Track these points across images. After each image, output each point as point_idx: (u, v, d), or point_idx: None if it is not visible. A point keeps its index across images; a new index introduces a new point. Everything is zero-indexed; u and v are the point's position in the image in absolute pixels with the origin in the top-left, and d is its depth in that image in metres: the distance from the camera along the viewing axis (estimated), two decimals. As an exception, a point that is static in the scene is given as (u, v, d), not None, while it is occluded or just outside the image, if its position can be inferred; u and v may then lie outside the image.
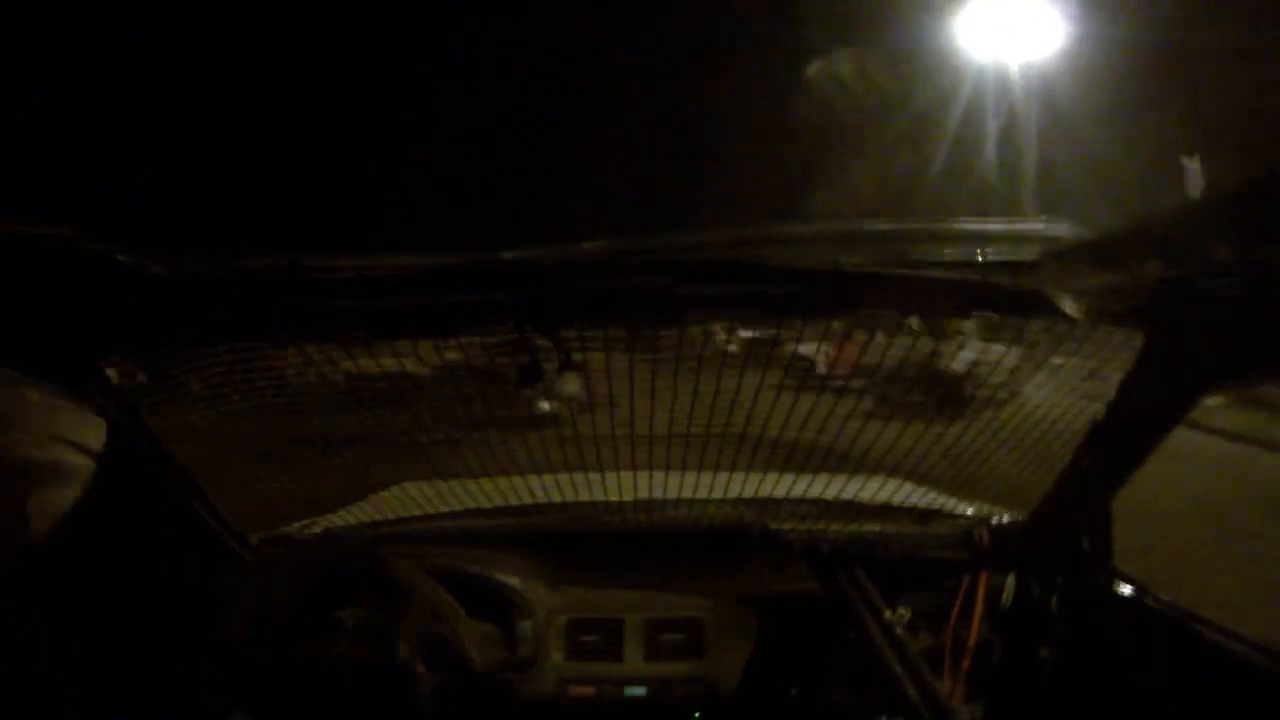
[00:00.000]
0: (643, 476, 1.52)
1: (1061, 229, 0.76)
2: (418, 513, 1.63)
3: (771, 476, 1.51)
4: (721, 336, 1.21)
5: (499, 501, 1.61)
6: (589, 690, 1.52)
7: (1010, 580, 1.41)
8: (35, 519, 1.03)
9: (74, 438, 1.07)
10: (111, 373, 1.03)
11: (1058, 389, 1.14)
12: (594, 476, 1.50)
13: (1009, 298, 0.83)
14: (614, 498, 1.55)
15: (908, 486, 1.56)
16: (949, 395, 1.29)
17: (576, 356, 1.07)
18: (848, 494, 1.50)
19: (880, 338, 1.09)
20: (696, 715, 1.52)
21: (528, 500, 1.63)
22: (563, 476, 1.54)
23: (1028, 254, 0.77)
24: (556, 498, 1.59)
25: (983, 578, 1.38)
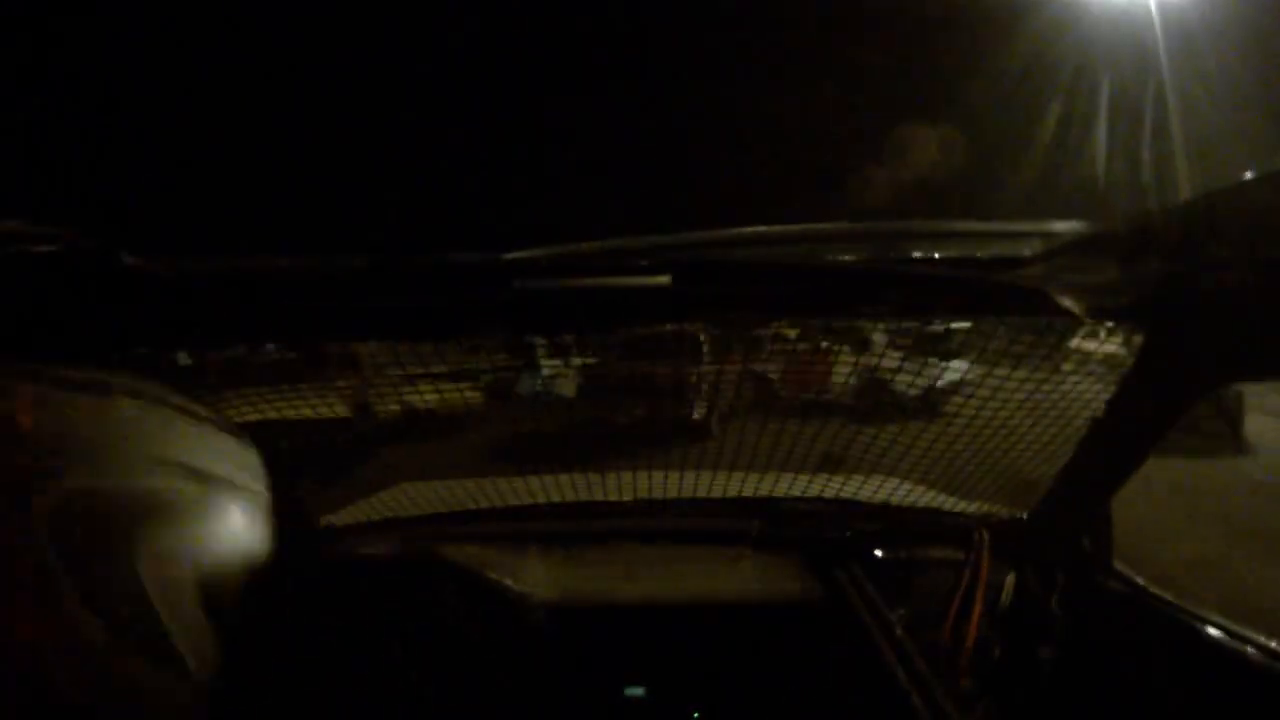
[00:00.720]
0: (643, 476, 1.52)
1: (1062, 227, 0.76)
2: (417, 513, 1.64)
3: (771, 476, 1.51)
4: (722, 336, 1.21)
5: (498, 502, 1.61)
6: (589, 690, 1.52)
7: (1010, 580, 1.41)
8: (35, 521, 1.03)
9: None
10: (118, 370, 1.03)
11: (1058, 388, 1.14)
12: (593, 476, 1.50)
13: (1010, 296, 0.83)
14: (614, 497, 1.55)
15: (907, 486, 1.56)
16: (949, 395, 1.29)
17: (576, 356, 1.07)
18: (847, 494, 1.50)
19: (880, 337, 1.09)
20: (696, 715, 1.52)
21: (527, 500, 1.63)
22: (562, 477, 1.54)
23: (1029, 252, 0.77)
24: (556, 498, 1.59)
25: (982, 577, 1.38)
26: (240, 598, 0.92)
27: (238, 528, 0.97)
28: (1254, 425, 7.00)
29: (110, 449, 0.76)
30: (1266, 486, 5.55)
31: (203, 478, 0.89)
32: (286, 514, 1.22)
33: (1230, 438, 6.84)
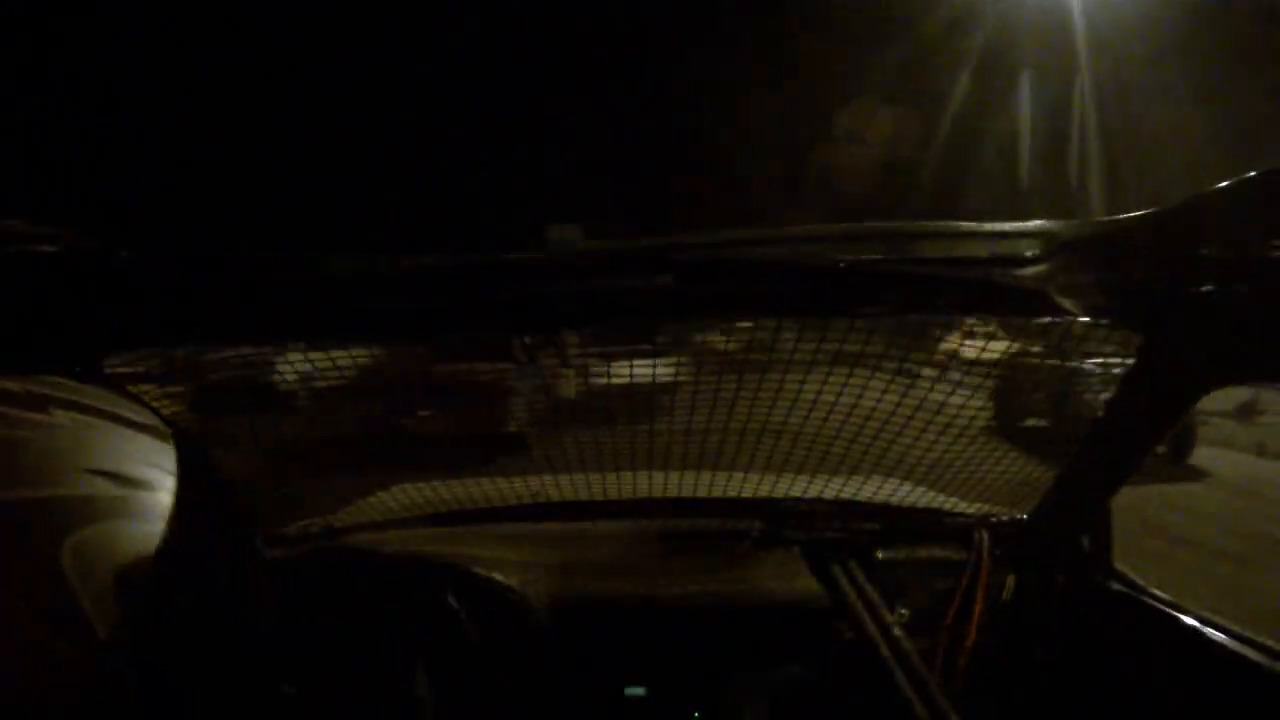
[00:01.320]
0: (643, 476, 1.52)
1: (1061, 227, 0.76)
2: (417, 513, 1.64)
3: (771, 476, 1.51)
4: (721, 336, 1.21)
5: (498, 501, 1.61)
6: (589, 689, 1.52)
7: (1010, 580, 1.41)
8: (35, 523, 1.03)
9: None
10: (111, 373, 1.03)
11: (1057, 388, 1.14)
12: (593, 476, 1.50)
13: (1009, 297, 0.83)
14: (614, 497, 1.55)
15: (907, 486, 1.56)
16: (948, 394, 1.29)
17: (575, 357, 1.07)
18: (847, 494, 1.50)
19: (879, 337, 1.09)
20: (696, 715, 1.52)
21: (527, 500, 1.63)
22: (562, 476, 1.54)
23: (1028, 252, 0.77)
24: (556, 497, 1.59)
25: (982, 578, 1.38)
26: (162, 579, 1.06)
27: (158, 520, 1.08)
28: (1207, 455, 7.17)
29: (48, 462, 0.88)
30: (1194, 510, 5.53)
31: (124, 480, 1.01)
32: (228, 510, 1.28)
33: (1171, 462, 6.90)
